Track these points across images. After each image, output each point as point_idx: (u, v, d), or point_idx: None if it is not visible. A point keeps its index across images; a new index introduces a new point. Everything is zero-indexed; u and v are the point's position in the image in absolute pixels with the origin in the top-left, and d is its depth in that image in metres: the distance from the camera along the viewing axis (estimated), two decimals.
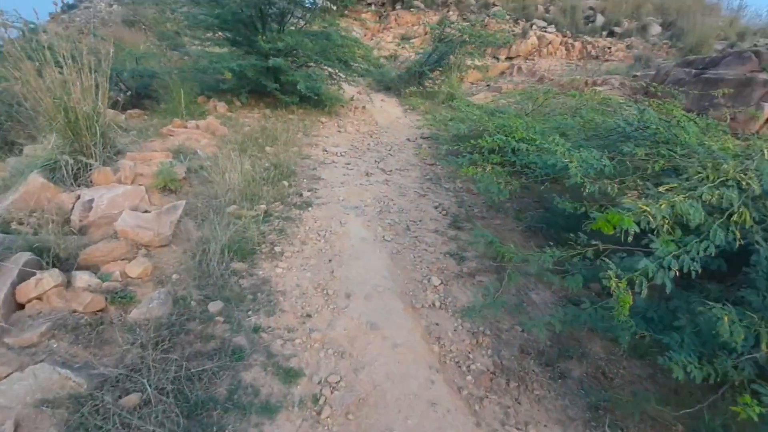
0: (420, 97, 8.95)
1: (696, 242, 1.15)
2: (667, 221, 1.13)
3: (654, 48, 11.93)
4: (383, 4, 15.25)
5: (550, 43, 12.63)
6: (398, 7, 14.71)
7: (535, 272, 1.71)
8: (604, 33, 12.85)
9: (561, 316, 1.54)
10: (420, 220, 3.48)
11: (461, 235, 3.30)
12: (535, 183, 2.45)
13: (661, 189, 1.21)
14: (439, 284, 2.56)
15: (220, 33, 6.67)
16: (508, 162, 2.40)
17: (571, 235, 1.70)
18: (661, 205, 1.11)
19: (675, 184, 1.21)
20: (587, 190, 1.70)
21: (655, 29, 12.66)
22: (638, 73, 9.30)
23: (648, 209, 1.10)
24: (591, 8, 13.34)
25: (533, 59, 12.74)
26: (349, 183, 4.19)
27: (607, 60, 11.95)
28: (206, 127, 5.04)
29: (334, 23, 6.90)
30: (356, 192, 3.96)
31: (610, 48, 12.38)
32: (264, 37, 6.10)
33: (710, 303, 1.19)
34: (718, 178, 1.21)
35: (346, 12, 6.97)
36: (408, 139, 6.45)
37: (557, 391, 1.86)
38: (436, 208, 3.82)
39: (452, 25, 9.50)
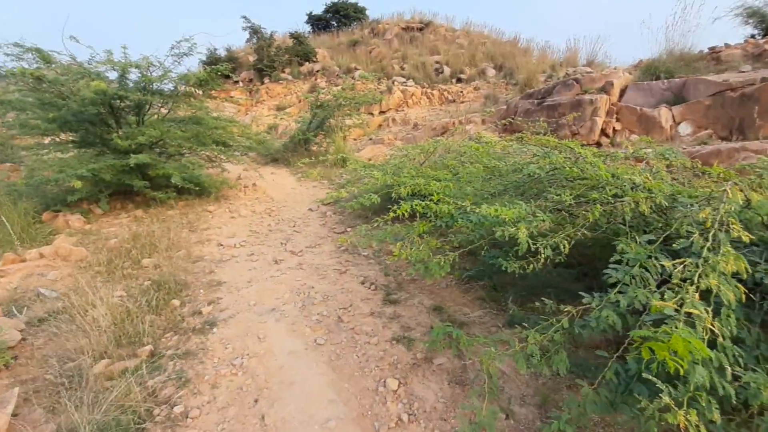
0: (310, 163, 8.79)
1: None
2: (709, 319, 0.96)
3: (495, 87, 13.96)
4: (251, 80, 15.25)
5: (413, 95, 13.95)
6: (267, 81, 14.84)
7: (512, 357, 1.43)
8: (454, 80, 14.74)
9: (573, 414, 1.27)
10: (350, 305, 3.06)
11: (400, 311, 2.97)
12: (466, 243, 2.29)
13: (670, 264, 1.07)
14: (398, 386, 2.14)
15: (63, 136, 5.65)
16: (436, 227, 2.20)
17: (545, 301, 1.53)
18: (692, 300, 0.94)
19: (684, 259, 1.08)
20: (542, 255, 1.57)
21: (491, 72, 14.93)
22: (493, 109, 10.67)
23: (704, 315, 0.92)
24: (437, 62, 15.25)
25: (403, 110, 13.90)
26: (258, 279, 3.60)
27: (462, 102, 13.63)
28: (54, 252, 3.97)
29: (203, 106, 6.44)
30: (269, 289, 3.39)
31: (462, 92, 14.17)
32: (120, 133, 5.31)
33: None
34: (710, 236, 1.13)
35: (212, 93, 6.56)
36: (310, 209, 6.10)
37: None
38: (362, 283, 3.45)
39: (324, 92, 9.81)
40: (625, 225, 1.56)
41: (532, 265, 1.77)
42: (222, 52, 16.14)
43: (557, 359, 1.41)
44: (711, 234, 1.06)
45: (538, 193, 2.12)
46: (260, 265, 3.91)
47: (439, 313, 2.92)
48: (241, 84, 15.20)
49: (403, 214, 2.20)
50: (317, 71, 15.18)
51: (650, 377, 0.87)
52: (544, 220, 1.61)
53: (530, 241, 1.56)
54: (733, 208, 1.21)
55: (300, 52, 15.43)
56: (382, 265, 3.81)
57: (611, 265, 1.22)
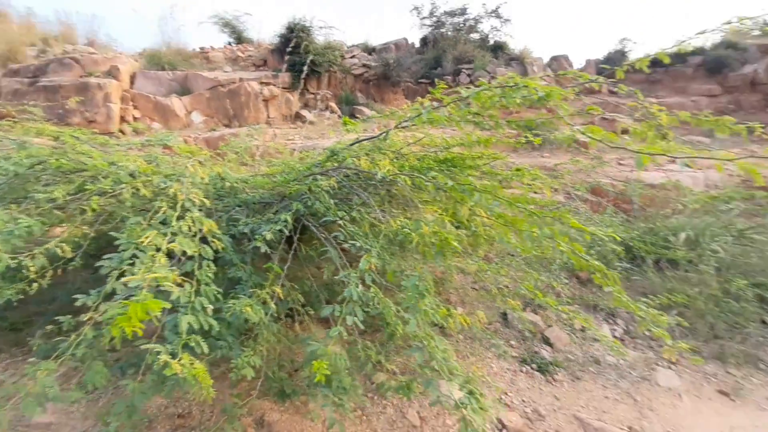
0: None
1: None
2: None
3: None
4: None
5: None
6: None
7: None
8: None
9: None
10: None
11: None
12: None
13: (145, 240, 1.08)
14: None
15: None
16: None
17: (60, 319, 1.27)
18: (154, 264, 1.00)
19: (155, 231, 1.13)
20: (30, 269, 1.25)
21: None
22: None
23: (164, 275, 0.96)
24: None
25: None
26: None
27: None
28: None
29: None
30: None
31: None
32: None
33: None
34: (178, 207, 1.26)
35: None
36: None
37: None
38: None
39: None
40: (129, 212, 1.60)
41: (36, 284, 1.43)
42: None
43: (90, 375, 1.27)
44: (179, 205, 1.29)
45: (25, 195, 1.70)
46: None
47: None
48: None
49: None
50: None
51: (150, 345, 0.98)
52: (29, 225, 1.31)
53: (11, 257, 1.23)
54: (197, 181, 1.54)
55: None
56: None
57: (105, 256, 1.21)
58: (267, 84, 7.51)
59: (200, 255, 1.22)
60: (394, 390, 1.56)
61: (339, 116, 7.42)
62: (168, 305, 0.91)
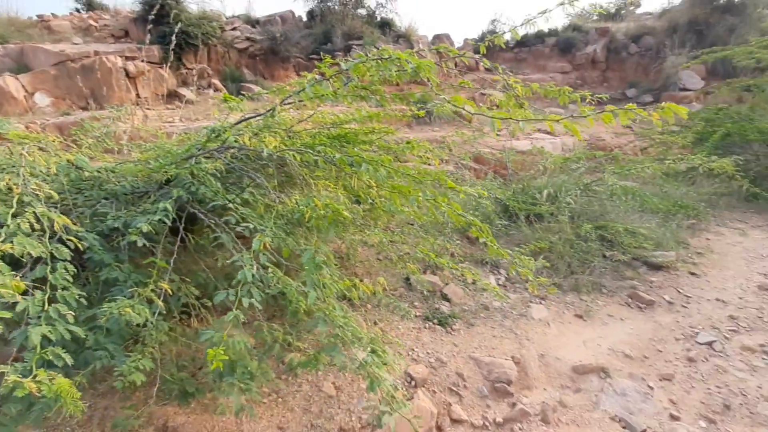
0: None
1: None
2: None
3: None
4: None
5: None
6: None
7: None
8: None
9: None
10: None
11: None
12: None
13: None
14: None
15: None
16: None
17: None
18: None
19: None
20: None
21: None
22: None
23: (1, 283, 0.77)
24: None
25: None
26: None
27: None
28: None
29: None
30: None
31: None
32: None
33: None
34: (14, 202, 1.02)
35: None
36: None
37: None
38: None
39: None
40: None
41: None
42: None
43: None
44: (15, 200, 1.08)
45: None
46: None
47: None
48: None
49: None
50: None
51: None
52: None
53: None
54: (39, 171, 1.30)
55: None
56: None
57: None
58: (132, 58, 6.51)
59: (53, 256, 1.05)
60: (303, 365, 1.58)
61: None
62: (8, 315, 0.78)
